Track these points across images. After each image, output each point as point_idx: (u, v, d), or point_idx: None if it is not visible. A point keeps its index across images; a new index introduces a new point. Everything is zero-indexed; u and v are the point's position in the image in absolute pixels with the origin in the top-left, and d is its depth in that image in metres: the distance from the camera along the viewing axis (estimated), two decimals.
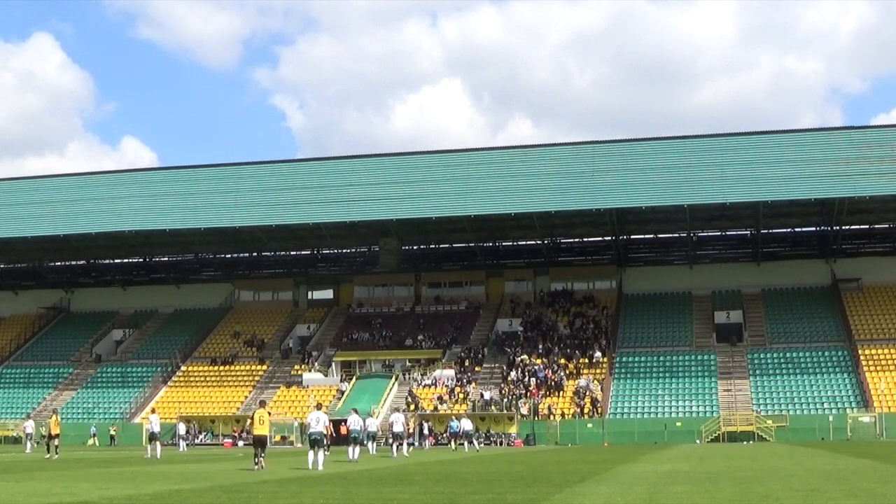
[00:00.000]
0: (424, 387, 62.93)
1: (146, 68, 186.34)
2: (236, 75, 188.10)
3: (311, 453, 23.41)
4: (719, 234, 71.13)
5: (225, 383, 67.96)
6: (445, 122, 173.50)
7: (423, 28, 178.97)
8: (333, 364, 67.44)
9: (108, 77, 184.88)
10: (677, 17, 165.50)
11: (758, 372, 61.41)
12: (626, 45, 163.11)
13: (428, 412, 59.10)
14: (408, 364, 66.18)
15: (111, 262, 79.87)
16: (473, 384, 62.23)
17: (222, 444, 58.12)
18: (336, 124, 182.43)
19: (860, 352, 60.76)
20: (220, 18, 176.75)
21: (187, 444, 51.22)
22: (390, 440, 39.11)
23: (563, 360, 63.21)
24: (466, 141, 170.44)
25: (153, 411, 40.76)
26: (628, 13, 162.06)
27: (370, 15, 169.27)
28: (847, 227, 66.97)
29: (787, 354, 62.56)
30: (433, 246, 74.43)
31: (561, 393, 60.27)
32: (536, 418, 57.35)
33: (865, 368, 59.14)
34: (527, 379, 61.39)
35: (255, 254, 77.54)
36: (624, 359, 64.22)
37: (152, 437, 36.78)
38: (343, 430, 57.75)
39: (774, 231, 69.87)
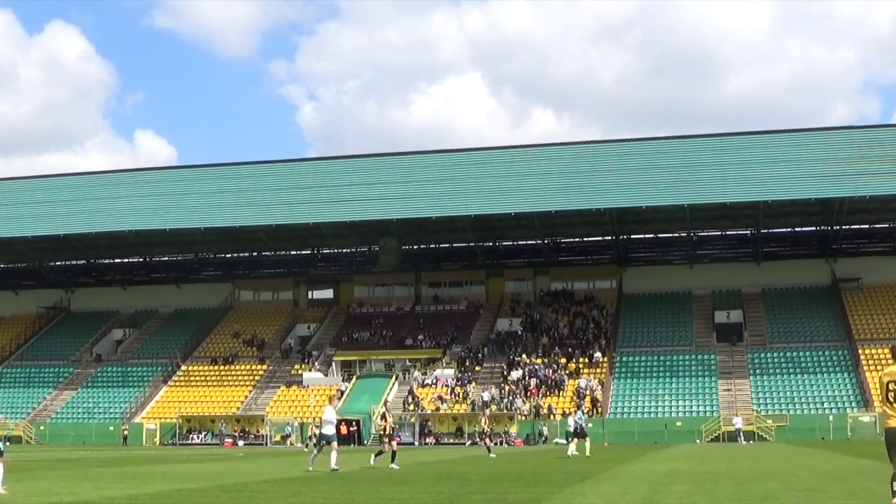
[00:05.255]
0: (425, 386, 62.97)
1: (163, 60, 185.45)
2: (255, 66, 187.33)
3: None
4: (719, 233, 71.09)
5: (225, 383, 67.97)
6: (466, 114, 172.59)
7: (446, 19, 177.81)
8: (334, 364, 67.48)
9: (127, 70, 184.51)
10: (706, 8, 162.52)
11: (758, 372, 61.44)
12: (652, 35, 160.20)
13: (429, 412, 59.26)
14: (408, 364, 66.22)
15: (111, 261, 79.83)
16: (473, 384, 62.27)
17: (223, 444, 58.19)
18: (356, 116, 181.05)
19: (860, 351, 60.77)
20: (241, 7, 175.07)
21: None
22: None
23: (563, 360, 63.25)
24: (487, 134, 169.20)
25: (329, 401, 27.68)
26: (656, 3, 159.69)
27: (393, 5, 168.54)
28: (847, 226, 66.94)
29: (787, 354, 62.59)
30: (433, 246, 74.40)
31: (561, 393, 60.31)
32: (537, 418, 57.38)
33: (865, 368, 59.12)
34: (527, 379, 61.42)
35: (255, 253, 77.52)
36: (624, 358, 64.24)
37: (323, 440, 24.52)
38: (343, 429, 58.41)
39: (774, 231, 69.84)
